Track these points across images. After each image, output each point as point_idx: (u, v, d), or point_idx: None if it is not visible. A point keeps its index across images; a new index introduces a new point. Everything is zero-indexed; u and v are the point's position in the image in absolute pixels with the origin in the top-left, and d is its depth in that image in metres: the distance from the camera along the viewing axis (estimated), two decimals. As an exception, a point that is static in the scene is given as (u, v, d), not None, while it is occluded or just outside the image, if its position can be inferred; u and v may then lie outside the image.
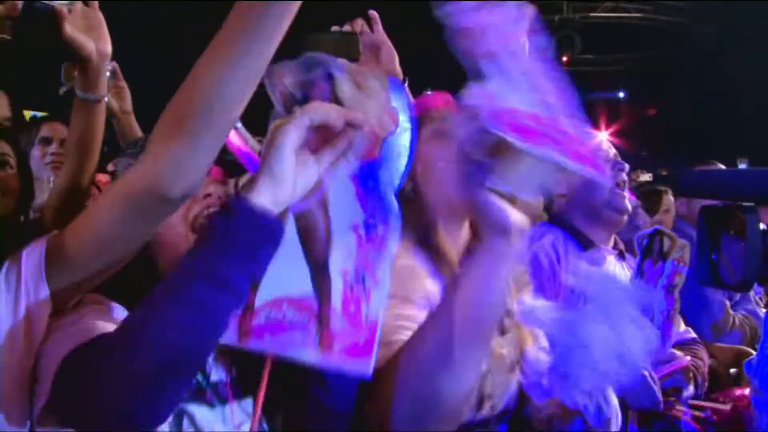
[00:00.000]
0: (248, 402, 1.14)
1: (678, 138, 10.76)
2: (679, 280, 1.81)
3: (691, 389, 1.88)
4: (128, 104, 2.14)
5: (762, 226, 1.34)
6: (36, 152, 2.52)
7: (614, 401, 1.34)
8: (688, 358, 1.92)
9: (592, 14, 10.31)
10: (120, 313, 1.07)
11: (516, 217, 0.99)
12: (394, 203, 0.93)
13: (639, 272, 1.86)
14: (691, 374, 1.88)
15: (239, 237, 0.88)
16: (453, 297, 1.01)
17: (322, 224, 0.90)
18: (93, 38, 1.41)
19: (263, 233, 0.89)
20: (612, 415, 1.31)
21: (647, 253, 1.82)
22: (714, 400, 2.09)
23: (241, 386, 1.15)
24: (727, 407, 2.07)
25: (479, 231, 1.02)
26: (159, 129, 0.96)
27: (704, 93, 10.12)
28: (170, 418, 1.00)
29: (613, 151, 2.17)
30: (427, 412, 1.01)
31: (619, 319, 1.21)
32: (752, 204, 1.36)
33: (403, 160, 0.96)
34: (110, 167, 2.49)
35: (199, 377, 1.09)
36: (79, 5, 1.41)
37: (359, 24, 1.74)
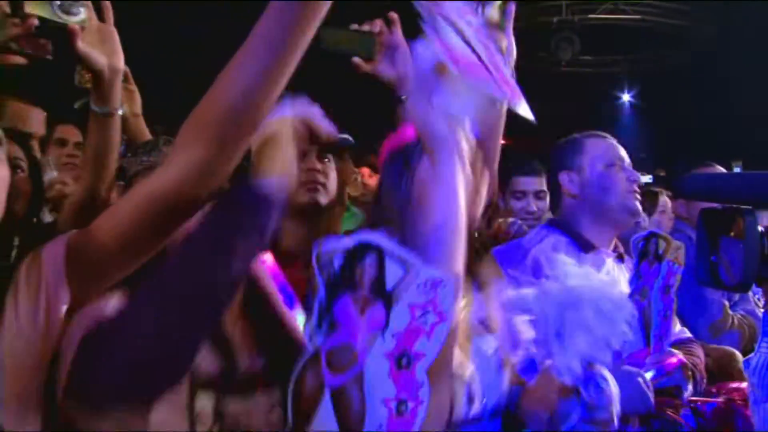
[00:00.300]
0: (275, 391, 1.17)
1: (676, 139, 10.79)
2: (675, 281, 1.84)
3: (690, 388, 1.91)
4: (138, 107, 2.21)
5: (760, 228, 1.37)
6: (51, 153, 2.56)
7: (612, 382, 1.38)
8: (681, 355, 1.95)
9: (590, 16, 10.34)
10: None
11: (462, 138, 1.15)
12: (425, 379, 0.98)
13: (636, 275, 1.89)
14: (689, 373, 1.91)
15: (245, 201, 0.98)
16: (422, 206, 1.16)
17: (357, 399, 0.95)
18: (105, 53, 1.47)
19: (267, 198, 1.00)
20: (611, 393, 1.35)
21: (643, 256, 1.85)
22: (708, 393, 2.12)
23: (270, 375, 1.18)
24: (720, 400, 2.10)
25: (428, 151, 1.17)
26: (185, 133, 0.99)
27: (703, 95, 10.16)
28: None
29: (627, 160, 2.20)
30: None
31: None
32: (751, 207, 1.40)
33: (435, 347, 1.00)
34: None
35: (228, 366, 1.15)
36: (94, 20, 1.47)
37: (378, 24, 1.77)
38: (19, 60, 1.42)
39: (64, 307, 1.03)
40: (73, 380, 0.95)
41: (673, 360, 1.90)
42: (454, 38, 1.14)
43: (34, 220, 1.79)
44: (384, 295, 0.97)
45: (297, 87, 1.06)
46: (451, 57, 1.10)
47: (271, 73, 0.94)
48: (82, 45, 1.42)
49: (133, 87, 2.18)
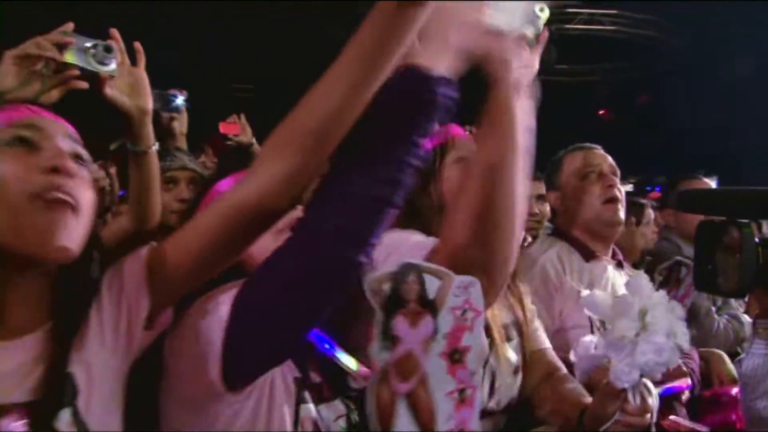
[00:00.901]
0: (337, 402, 1.28)
1: (650, 148, 11.01)
2: (689, 301, 1.95)
3: (687, 393, 2.03)
4: (185, 126, 2.34)
5: (755, 240, 1.49)
6: None
7: (655, 394, 1.50)
8: (680, 361, 2.07)
9: (567, 26, 10.52)
10: None
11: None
12: (478, 369, 1.12)
13: None
14: (687, 379, 2.02)
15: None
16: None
17: (426, 398, 1.06)
18: (134, 95, 1.56)
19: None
20: (653, 403, 1.47)
21: (664, 284, 1.95)
22: (702, 398, 2.25)
23: (332, 387, 1.28)
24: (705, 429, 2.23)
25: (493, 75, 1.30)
26: (273, 144, 1.03)
27: (676, 105, 10.41)
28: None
29: (608, 161, 2.29)
30: None
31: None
32: (747, 220, 1.52)
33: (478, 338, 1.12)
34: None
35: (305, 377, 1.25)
36: (126, 64, 1.56)
37: None
38: (82, 84, 1.47)
39: (145, 315, 1.08)
40: (232, 357, 1.05)
41: (681, 384, 2.01)
42: None
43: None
44: (429, 305, 1.09)
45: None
46: None
47: (361, 90, 0.98)
48: (110, 90, 1.52)
49: (183, 109, 2.32)
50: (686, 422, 1.98)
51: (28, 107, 1.10)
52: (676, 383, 1.96)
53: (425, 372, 1.06)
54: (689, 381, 2.04)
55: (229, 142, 3.23)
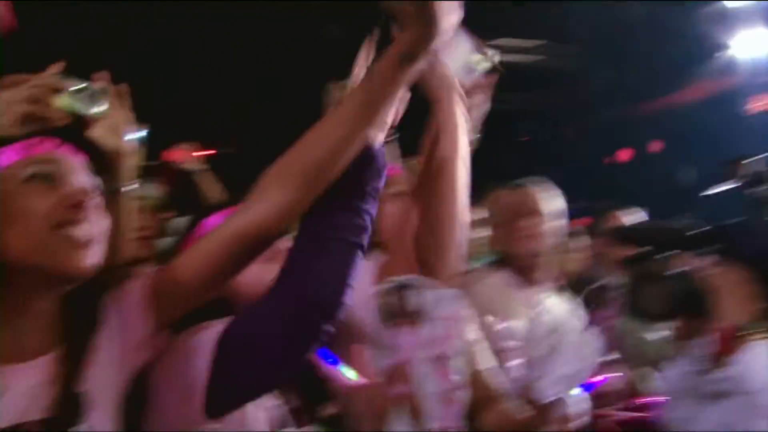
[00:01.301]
0: (314, 425, 1.37)
1: (569, 178, 11.38)
2: (616, 322, 2.14)
3: (619, 403, 2.22)
4: (139, 158, 2.38)
5: (676, 272, 1.66)
6: None
7: (580, 400, 1.67)
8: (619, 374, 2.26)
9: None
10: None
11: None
12: (462, 370, 1.25)
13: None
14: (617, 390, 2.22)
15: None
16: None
17: (417, 399, 1.20)
18: (115, 135, 1.56)
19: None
20: (577, 409, 1.64)
21: (591, 304, 2.13)
22: (632, 407, 2.45)
23: (309, 413, 1.37)
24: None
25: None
26: (273, 178, 1.12)
27: (589, 134, 10.83)
28: None
29: (533, 200, 2.42)
30: None
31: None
32: (671, 252, 1.70)
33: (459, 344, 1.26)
34: None
35: (280, 404, 1.32)
36: (110, 104, 1.56)
37: None
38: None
39: (147, 336, 1.15)
40: (214, 390, 1.12)
41: (600, 378, 2.20)
42: None
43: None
44: (418, 316, 1.23)
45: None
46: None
47: (359, 132, 1.09)
48: (94, 131, 1.52)
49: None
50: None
51: (45, 141, 1.14)
52: (593, 380, 2.14)
53: (419, 375, 1.20)
54: (605, 375, 2.21)
55: (173, 169, 3.25)
